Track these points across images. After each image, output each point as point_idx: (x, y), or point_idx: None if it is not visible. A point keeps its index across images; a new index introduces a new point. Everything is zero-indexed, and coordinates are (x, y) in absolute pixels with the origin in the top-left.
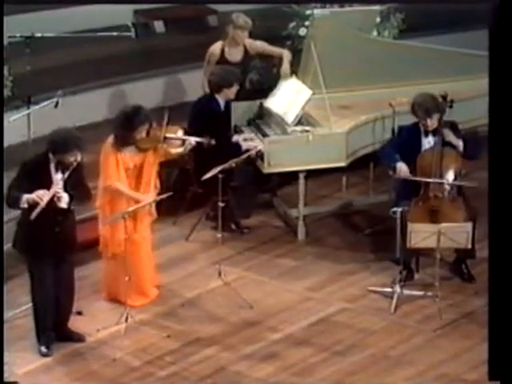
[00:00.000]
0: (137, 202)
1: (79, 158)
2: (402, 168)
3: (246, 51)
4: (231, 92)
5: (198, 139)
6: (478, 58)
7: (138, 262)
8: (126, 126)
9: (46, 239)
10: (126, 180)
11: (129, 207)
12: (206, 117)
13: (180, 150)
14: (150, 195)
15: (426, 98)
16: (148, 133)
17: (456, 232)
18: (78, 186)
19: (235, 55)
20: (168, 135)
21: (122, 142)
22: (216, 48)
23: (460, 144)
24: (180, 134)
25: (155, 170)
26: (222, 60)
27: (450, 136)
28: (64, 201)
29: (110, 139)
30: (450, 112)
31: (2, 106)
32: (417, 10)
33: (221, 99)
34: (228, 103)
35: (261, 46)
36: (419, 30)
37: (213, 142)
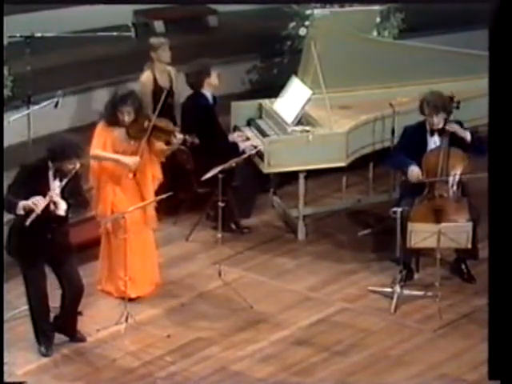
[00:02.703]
0: (120, 163)
1: (78, 166)
2: (415, 171)
3: (170, 77)
4: (213, 79)
5: (182, 136)
6: (478, 57)
7: (139, 247)
8: (111, 105)
9: (38, 245)
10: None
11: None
12: (197, 113)
13: (168, 147)
14: (134, 159)
15: (436, 95)
16: (137, 120)
17: (456, 232)
18: (75, 194)
19: (165, 82)
20: (157, 125)
21: (108, 119)
22: (147, 79)
23: (467, 135)
24: (170, 126)
25: (150, 162)
26: (157, 88)
27: (456, 128)
28: (61, 208)
29: (103, 120)
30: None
31: (2, 106)
32: (417, 9)
33: (207, 92)
34: (215, 97)
35: (174, 79)
36: (419, 30)
37: (196, 140)
